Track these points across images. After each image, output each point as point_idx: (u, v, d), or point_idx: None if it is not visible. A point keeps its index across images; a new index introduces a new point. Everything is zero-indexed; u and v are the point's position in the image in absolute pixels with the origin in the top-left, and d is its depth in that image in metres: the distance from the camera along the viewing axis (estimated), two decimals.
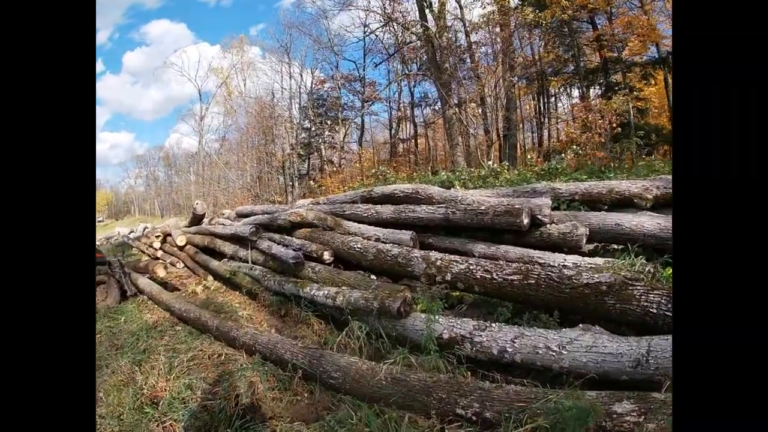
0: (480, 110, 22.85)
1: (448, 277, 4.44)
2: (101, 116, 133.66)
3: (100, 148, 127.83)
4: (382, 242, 5.77)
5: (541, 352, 3.02)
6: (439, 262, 4.61)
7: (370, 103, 29.84)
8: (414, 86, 29.32)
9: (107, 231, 32.97)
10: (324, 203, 8.05)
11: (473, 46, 24.11)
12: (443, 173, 14.97)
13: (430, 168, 24.58)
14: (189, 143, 44.29)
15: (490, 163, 15.14)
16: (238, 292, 7.24)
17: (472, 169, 13.63)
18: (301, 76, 31.44)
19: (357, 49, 37.75)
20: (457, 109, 20.89)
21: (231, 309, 6.28)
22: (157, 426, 3.20)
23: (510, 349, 3.16)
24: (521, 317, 3.97)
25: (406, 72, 27.83)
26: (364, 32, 27.05)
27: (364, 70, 29.34)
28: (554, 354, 2.97)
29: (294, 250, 6.29)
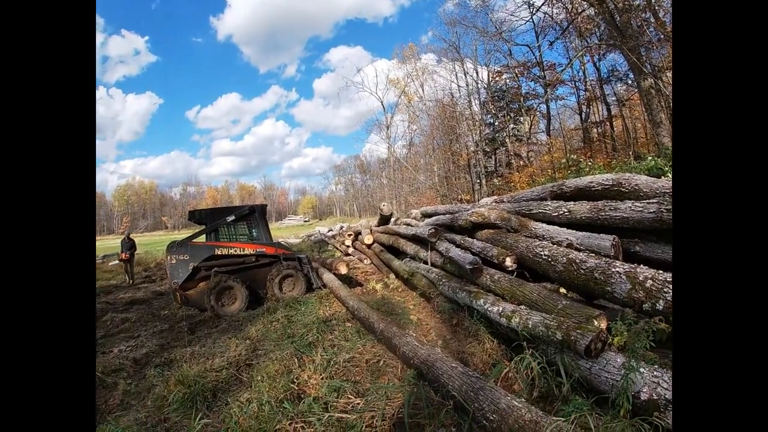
0: None
1: (661, 305, 3.17)
2: (303, 135, 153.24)
3: (304, 161, 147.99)
4: (576, 248, 4.71)
5: None
6: (649, 283, 3.31)
7: (553, 87, 25.99)
8: (599, 60, 24.47)
9: (309, 230, 36.88)
10: (508, 201, 7.22)
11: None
12: (649, 158, 11.73)
13: (631, 153, 20.24)
14: (380, 150, 47.23)
15: None
16: (414, 293, 7.03)
17: None
18: (476, 71, 29.93)
19: (527, 31, 34.79)
20: (653, 80, 16.38)
21: (403, 311, 6.09)
22: (290, 424, 3.09)
23: None
24: None
25: (587, 45, 23.91)
26: (530, 11, 24.34)
27: (539, 52, 25.81)
28: None
29: (473, 253, 5.77)
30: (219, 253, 8.32)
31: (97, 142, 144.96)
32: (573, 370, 3.13)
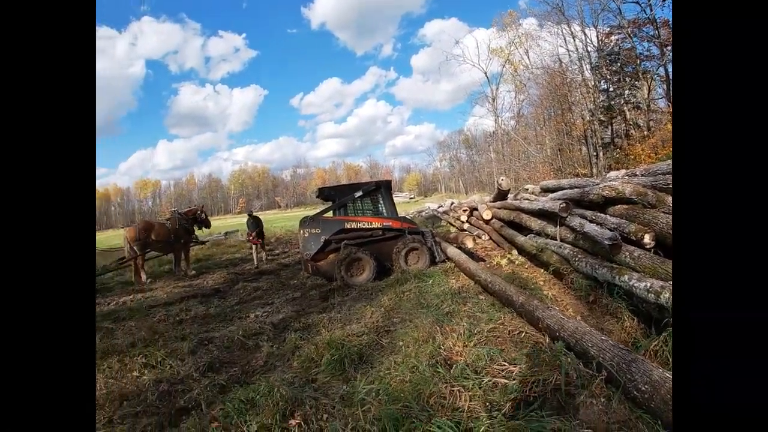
0: None
1: None
2: (404, 113, 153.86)
3: (406, 139, 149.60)
4: None
5: None
6: None
7: (670, 46, 23.62)
8: None
9: (418, 206, 37.07)
10: (642, 174, 6.73)
11: None
12: None
13: None
14: (486, 124, 45.70)
15: None
16: (543, 270, 7.00)
17: None
18: (584, 33, 27.69)
19: None
20: None
21: (535, 287, 6.07)
22: (446, 388, 3.22)
23: None
24: None
25: None
26: None
27: (651, 9, 23.42)
28: None
29: (610, 229, 5.57)
30: (348, 227, 8.88)
31: (209, 134, 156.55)
32: None
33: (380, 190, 9.47)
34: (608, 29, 26.67)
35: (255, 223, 13.32)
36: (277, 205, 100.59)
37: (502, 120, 40.63)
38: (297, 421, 3.11)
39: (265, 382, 3.77)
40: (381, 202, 9.42)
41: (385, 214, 9.31)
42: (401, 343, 4.38)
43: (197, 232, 13.29)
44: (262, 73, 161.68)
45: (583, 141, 27.71)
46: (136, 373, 4.58)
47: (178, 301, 8.64)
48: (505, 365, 3.42)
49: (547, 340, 3.79)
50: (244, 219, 16.69)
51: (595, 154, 26.28)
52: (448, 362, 3.69)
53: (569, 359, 3.28)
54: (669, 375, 2.70)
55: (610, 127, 26.81)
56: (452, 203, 22.29)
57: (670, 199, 5.53)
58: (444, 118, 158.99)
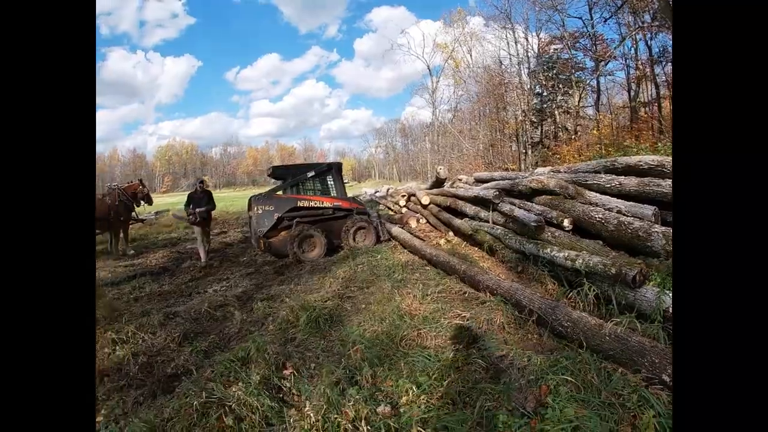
0: None
1: None
2: (342, 97, 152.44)
3: (343, 123, 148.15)
4: (624, 215, 5.67)
5: None
6: None
7: (603, 62, 25.56)
8: (651, 39, 23.50)
9: (354, 191, 37.76)
10: (565, 171, 8.02)
11: None
12: None
13: None
14: (423, 115, 46.92)
15: None
16: (477, 248, 7.84)
17: None
18: (527, 39, 29.23)
19: (582, 4, 33.48)
20: None
21: (472, 260, 6.91)
22: (413, 332, 3.96)
23: None
24: None
25: (639, 25, 23.25)
26: None
27: (593, 27, 25.29)
28: None
29: (535, 214, 6.60)
30: (300, 205, 9.31)
31: (136, 105, 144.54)
32: (621, 298, 4.15)
33: (332, 171, 9.92)
34: (549, 38, 28.38)
35: (206, 199, 9.94)
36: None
37: (440, 112, 42.04)
38: (290, 371, 3.52)
39: (253, 342, 4.06)
40: (332, 182, 9.88)
41: (335, 194, 9.80)
42: (363, 306, 5.04)
43: (137, 209, 12.59)
44: (198, 43, 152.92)
45: (514, 138, 29.14)
46: (107, 350, 4.54)
47: (125, 280, 8.52)
48: (458, 313, 4.26)
49: (488, 296, 4.66)
50: (171, 198, 15.60)
51: (524, 151, 27.85)
52: (409, 315, 4.40)
53: (508, 306, 4.20)
54: (585, 314, 3.68)
55: (540, 128, 28.46)
56: (388, 189, 23.13)
57: (588, 192, 6.74)
58: (382, 106, 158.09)
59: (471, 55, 36.44)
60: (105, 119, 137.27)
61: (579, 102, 27.07)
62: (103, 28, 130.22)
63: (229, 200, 39.65)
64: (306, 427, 2.69)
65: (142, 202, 12.68)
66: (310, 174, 9.75)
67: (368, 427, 2.64)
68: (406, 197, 13.93)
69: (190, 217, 9.78)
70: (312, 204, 9.51)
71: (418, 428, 2.61)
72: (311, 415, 2.75)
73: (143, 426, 2.90)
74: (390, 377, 3.21)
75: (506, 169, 23.51)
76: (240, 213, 22.29)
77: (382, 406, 2.85)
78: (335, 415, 2.74)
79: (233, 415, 2.91)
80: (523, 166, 25.71)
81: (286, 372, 3.53)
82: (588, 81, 26.82)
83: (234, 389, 3.17)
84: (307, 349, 4.09)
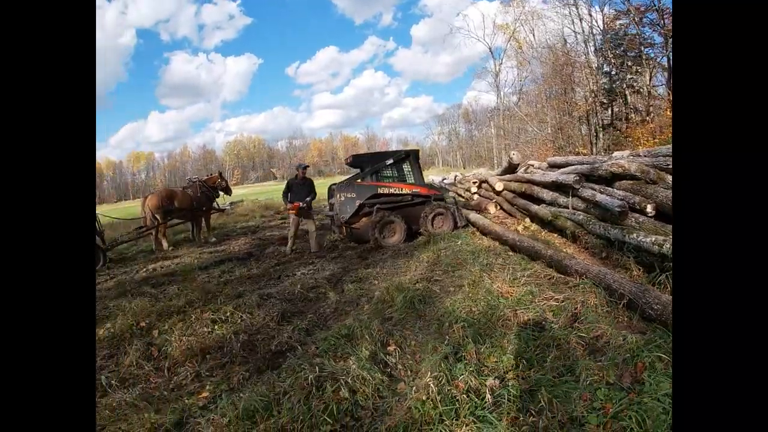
0: None
1: None
2: (402, 85, 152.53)
3: (403, 111, 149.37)
4: None
5: None
6: None
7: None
8: None
9: None
10: (645, 155, 7.87)
11: None
12: None
13: None
14: (486, 99, 45.59)
15: None
16: (557, 234, 7.90)
17: None
18: (590, 15, 27.44)
19: None
20: None
21: (554, 246, 6.95)
22: (509, 311, 4.18)
23: None
24: None
25: None
26: None
27: (659, 0, 23.60)
28: None
29: (618, 199, 6.59)
30: (380, 192, 9.59)
31: (202, 105, 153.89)
32: None
33: (409, 158, 10.10)
34: (614, 13, 26.81)
35: (308, 187, 9.74)
36: (273, 177, 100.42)
37: (504, 95, 40.83)
38: (393, 347, 3.75)
39: (356, 320, 4.35)
40: (410, 169, 10.04)
41: (413, 181, 9.96)
42: (452, 288, 5.25)
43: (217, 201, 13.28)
44: (256, 41, 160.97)
45: (584, 121, 27.81)
46: (206, 329, 4.72)
47: (213, 265, 8.99)
48: (551, 295, 4.46)
49: (577, 280, 4.80)
50: (242, 190, 16.26)
51: (595, 134, 26.56)
52: (503, 297, 4.60)
53: (599, 289, 4.37)
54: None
55: (610, 109, 27.11)
56: (455, 176, 23.11)
57: (669, 177, 6.63)
58: (442, 91, 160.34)
59: (534, 35, 35.25)
60: (173, 119, 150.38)
61: (650, 81, 25.39)
62: (163, 34, 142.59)
63: None
64: (422, 398, 2.82)
65: (222, 193, 13.41)
66: (389, 161, 9.91)
67: (479, 399, 2.83)
68: (477, 184, 14.07)
69: (303, 205, 9.52)
70: (391, 191, 9.71)
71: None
72: (431, 385, 2.88)
73: (259, 399, 3.01)
74: (493, 353, 3.39)
75: (577, 154, 22.80)
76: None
77: (491, 380, 3.00)
78: (448, 387, 2.92)
79: (347, 387, 3.06)
80: (594, 150, 24.65)
81: (390, 348, 3.75)
82: (658, 59, 25.11)
83: (345, 364, 3.37)
84: (404, 327, 4.29)
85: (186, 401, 3.43)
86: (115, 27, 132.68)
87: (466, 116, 77.99)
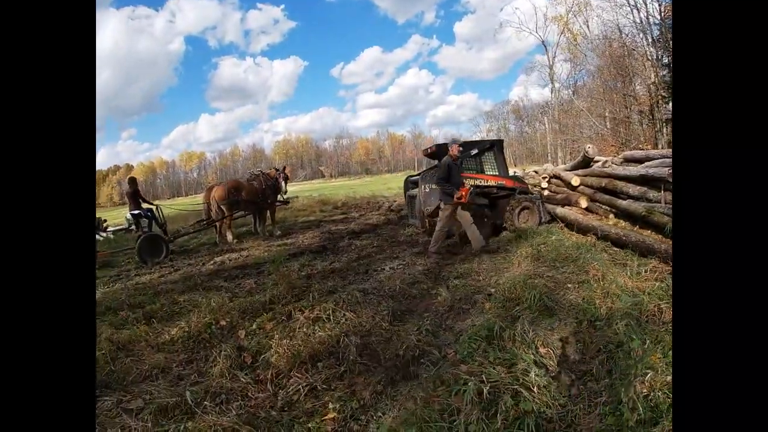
0: None
1: None
2: (446, 83, 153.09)
3: (448, 109, 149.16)
4: None
5: None
6: None
7: None
8: None
9: None
10: None
11: None
12: None
13: None
14: (536, 94, 44.59)
15: None
16: (651, 230, 7.45)
17: None
18: (645, 4, 26.40)
19: None
20: None
21: (667, 241, 6.43)
22: (653, 307, 3.94)
23: None
24: None
25: None
26: None
27: None
28: None
29: None
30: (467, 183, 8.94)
31: (251, 106, 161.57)
32: None
33: (494, 148, 9.47)
34: (671, 1, 25.00)
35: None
36: (321, 175, 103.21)
37: (557, 89, 40.24)
38: (546, 349, 3.50)
39: (487, 321, 4.02)
40: (494, 160, 9.43)
41: (498, 173, 9.39)
42: (570, 285, 4.98)
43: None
44: (301, 44, 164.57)
45: (646, 115, 26.60)
46: (305, 330, 4.23)
47: (287, 258, 8.59)
48: None
49: None
50: (293, 187, 16.26)
51: (658, 128, 25.42)
52: (638, 292, 4.30)
53: None
54: None
55: (671, 103, 25.03)
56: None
57: None
58: (487, 88, 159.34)
59: (588, 26, 34.68)
60: (223, 120, 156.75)
61: None
62: (211, 41, 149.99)
63: (348, 188, 40.91)
64: (624, 399, 2.67)
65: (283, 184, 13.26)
66: (474, 152, 9.25)
67: (660, 393, 2.63)
68: (547, 179, 13.91)
69: (472, 190, 8.28)
70: (477, 182, 9.09)
71: None
72: (636, 385, 2.70)
73: (420, 420, 2.66)
74: (655, 351, 3.09)
75: (641, 149, 22.09)
76: (358, 200, 23.35)
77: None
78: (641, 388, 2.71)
79: (529, 397, 2.77)
80: (660, 145, 23.69)
81: (542, 350, 3.46)
82: None
83: (511, 371, 3.06)
84: (538, 326, 3.91)
85: (306, 425, 2.91)
86: (164, 35, 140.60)
87: (516, 112, 76.49)
